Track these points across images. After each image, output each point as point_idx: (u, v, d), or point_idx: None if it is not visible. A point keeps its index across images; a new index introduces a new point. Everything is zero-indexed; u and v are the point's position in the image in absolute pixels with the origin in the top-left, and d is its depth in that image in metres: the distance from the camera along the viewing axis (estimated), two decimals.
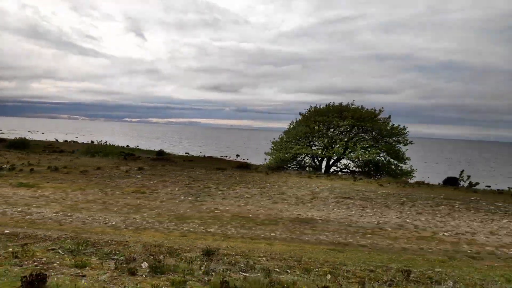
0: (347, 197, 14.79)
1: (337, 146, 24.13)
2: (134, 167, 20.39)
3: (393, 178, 21.48)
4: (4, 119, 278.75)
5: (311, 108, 26.55)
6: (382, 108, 25.44)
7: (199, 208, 12.22)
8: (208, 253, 6.77)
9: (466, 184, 21.19)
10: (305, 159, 26.06)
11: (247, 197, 14.09)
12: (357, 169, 25.14)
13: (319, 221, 11.30)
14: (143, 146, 51.58)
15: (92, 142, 40.55)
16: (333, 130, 25.43)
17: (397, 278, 6.12)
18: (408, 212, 12.82)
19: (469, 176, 21.72)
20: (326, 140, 24.71)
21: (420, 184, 20.07)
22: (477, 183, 21.16)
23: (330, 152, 24.31)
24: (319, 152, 24.71)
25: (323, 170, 24.95)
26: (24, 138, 36.96)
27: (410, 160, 24.87)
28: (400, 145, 24.95)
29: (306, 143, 25.24)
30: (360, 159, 23.78)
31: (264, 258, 7.17)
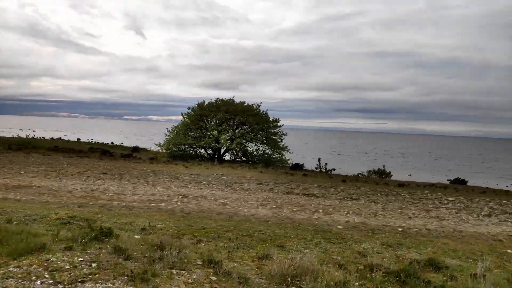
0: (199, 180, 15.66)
1: (223, 137, 25.93)
2: None
3: (266, 166, 23.39)
4: (4, 118, 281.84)
5: (202, 102, 28.06)
6: (261, 102, 28.08)
7: None
8: None
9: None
10: (197, 150, 27.53)
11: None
12: (243, 158, 27.26)
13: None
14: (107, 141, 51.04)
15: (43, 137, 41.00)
16: (221, 123, 27.20)
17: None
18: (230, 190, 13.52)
19: (326, 163, 25.51)
20: (215, 132, 26.33)
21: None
22: (333, 169, 25.16)
23: (211, 142, 26.40)
24: (203, 143, 26.49)
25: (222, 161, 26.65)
26: None
27: (288, 150, 27.60)
28: (281, 137, 27.67)
29: (197, 136, 26.75)
30: (237, 148, 26.32)
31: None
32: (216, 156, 27.05)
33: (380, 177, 24.57)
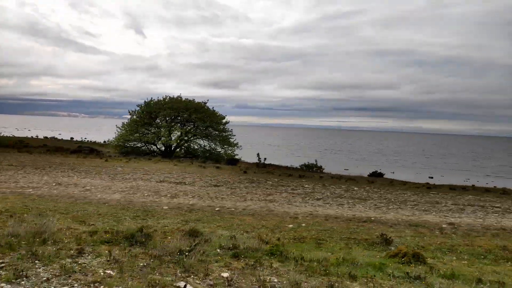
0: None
1: (164, 133, 26.99)
2: None
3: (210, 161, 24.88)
4: (4, 117, 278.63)
5: (150, 100, 28.93)
6: (207, 100, 29.32)
7: None
8: None
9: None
10: (150, 147, 28.53)
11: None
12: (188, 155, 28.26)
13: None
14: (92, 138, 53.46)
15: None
16: (165, 120, 28.29)
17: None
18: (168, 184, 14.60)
19: (265, 159, 27.13)
20: (162, 130, 27.29)
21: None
22: (270, 164, 26.83)
23: (160, 139, 27.45)
24: (147, 139, 27.61)
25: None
26: None
27: (239, 147, 29.15)
28: (229, 133, 29.05)
29: (145, 132, 27.81)
30: (180, 144, 27.62)
31: None
32: (168, 152, 27.79)
33: (309, 170, 26.19)
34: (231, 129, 29.59)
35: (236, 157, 28.08)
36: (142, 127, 27.84)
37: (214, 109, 29.41)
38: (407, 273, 5.12)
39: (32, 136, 53.11)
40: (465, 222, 10.53)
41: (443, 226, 9.89)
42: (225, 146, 28.58)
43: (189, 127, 28.62)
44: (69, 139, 50.47)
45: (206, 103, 29.19)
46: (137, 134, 27.37)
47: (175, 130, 27.66)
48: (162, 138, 26.99)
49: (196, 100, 29.24)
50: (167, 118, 28.30)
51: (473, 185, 23.12)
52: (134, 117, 28.44)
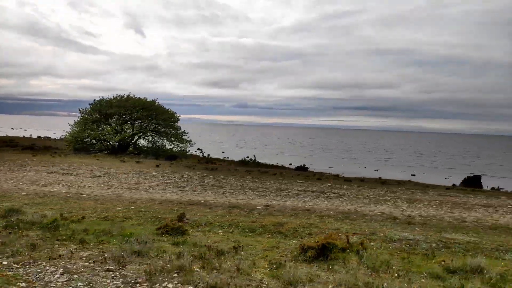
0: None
1: (108, 129, 27.83)
2: None
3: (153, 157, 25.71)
4: (4, 117, 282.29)
5: (101, 99, 29.62)
6: (157, 98, 30.31)
7: None
8: None
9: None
10: (100, 143, 29.16)
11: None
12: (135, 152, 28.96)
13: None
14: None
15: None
16: (116, 118, 29.13)
17: None
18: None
19: (208, 154, 29.00)
20: (110, 127, 28.13)
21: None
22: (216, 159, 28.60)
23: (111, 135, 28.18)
24: (100, 136, 28.21)
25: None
26: None
27: (193, 144, 30.52)
28: (179, 129, 30.04)
29: (96, 129, 28.48)
30: (113, 142, 28.06)
31: None
32: (120, 149, 28.54)
33: (245, 165, 27.35)
34: (180, 126, 30.59)
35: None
36: (93, 124, 28.56)
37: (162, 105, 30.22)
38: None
39: (23, 136, 53.75)
40: (281, 204, 10.87)
41: (259, 207, 10.19)
42: (176, 143, 29.31)
43: (136, 125, 29.46)
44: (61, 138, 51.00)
45: (155, 100, 30.01)
46: (91, 132, 28.12)
47: (125, 128, 28.55)
48: (106, 135, 27.82)
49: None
50: (115, 116, 29.16)
51: (409, 180, 23.27)
52: (85, 115, 29.36)
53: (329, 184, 16.26)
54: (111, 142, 28.83)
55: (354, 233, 7.56)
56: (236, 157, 44.04)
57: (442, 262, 5.88)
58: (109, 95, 30.41)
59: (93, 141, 28.69)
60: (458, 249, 6.86)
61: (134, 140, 29.65)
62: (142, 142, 30.40)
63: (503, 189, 21.96)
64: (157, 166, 20.37)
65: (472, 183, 20.64)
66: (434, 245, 7.02)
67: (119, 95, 29.76)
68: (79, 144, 27.98)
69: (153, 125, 29.79)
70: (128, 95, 29.77)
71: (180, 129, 30.40)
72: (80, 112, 29.66)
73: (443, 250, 6.81)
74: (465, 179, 21.37)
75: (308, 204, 11.01)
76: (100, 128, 28.64)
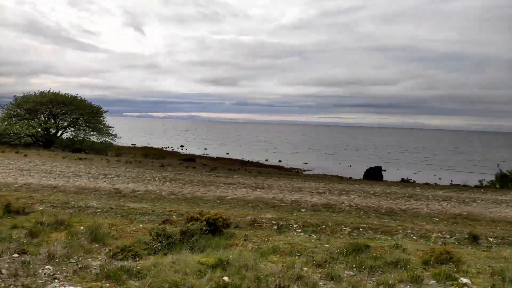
0: None
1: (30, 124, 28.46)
2: None
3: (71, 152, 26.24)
4: None
5: (26, 94, 30.24)
6: (77, 94, 31.27)
7: None
8: None
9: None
10: (25, 137, 29.53)
11: None
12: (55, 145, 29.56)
13: None
14: None
15: None
16: (30, 113, 29.45)
17: None
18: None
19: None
20: (35, 122, 29.05)
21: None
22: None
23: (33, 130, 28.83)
24: (17, 131, 28.42)
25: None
26: None
27: (119, 138, 32.07)
28: (104, 124, 31.52)
29: (24, 124, 28.76)
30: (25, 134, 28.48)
31: None
32: (47, 142, 29.43)
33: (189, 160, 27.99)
34: (106, 121, 32.19)
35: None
36: (14, 118, 29.04)
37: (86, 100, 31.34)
38: None
39: None
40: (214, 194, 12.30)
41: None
42: (100, 137, 30.85)
43: (57, 119, 30.31)
44: None
45: (76, 96, 31.13)
46: (16, 125, 28.50)
47: (49, 123, 29.45)
48: (22, 129, 28.18)
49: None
50: (40, 112, 29.80)
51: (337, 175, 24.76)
52: (5, 110, 29.76)
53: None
54: (38, 137, 29.26)
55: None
56: (216, 154, 45.94)
57: None
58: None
59: (21, 134, 28.86)
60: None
61: (59, 134, 30.42)
62: (67, 136, 31.21)
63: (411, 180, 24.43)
64: (64, 158, 20.99)
65: (373, 174, 21.71)
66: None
67: (39, 91, 30.25)
68: (6, 138, 28.16)
69: (74, 120, 30.85)
70: (49, 91, 30.31)
71: (104, 123, 31.73)
72: (1, 107, 30.02)
73: None
74: (367, 170, 22.39)
75: (240, 194, 12.58)
76: (19, 123, 28.73)
